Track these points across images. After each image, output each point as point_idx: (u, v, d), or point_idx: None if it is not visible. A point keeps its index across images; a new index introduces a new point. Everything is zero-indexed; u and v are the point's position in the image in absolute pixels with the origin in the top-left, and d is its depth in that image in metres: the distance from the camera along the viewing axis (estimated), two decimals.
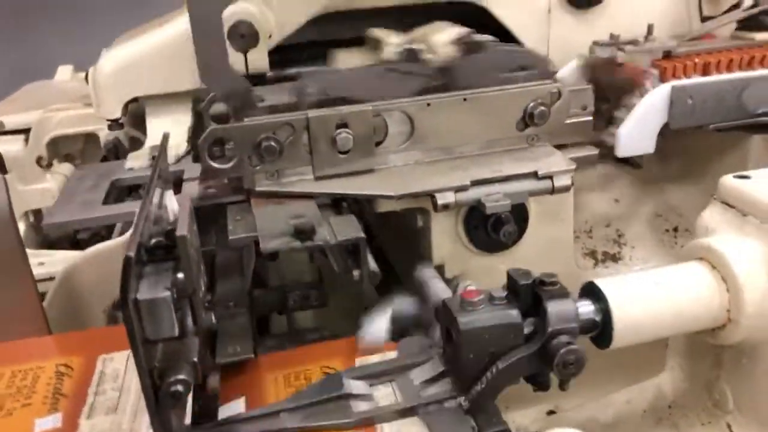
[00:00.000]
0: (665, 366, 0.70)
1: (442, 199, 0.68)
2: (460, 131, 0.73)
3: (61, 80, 1.35)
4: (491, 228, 0.73)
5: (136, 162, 0.82)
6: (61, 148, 1.04)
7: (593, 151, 0.76)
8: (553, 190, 0.70)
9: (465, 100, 0.72)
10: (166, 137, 0.64)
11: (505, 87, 0.73)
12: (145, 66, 0.85)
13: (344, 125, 0.69)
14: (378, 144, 0.72)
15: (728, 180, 0.62)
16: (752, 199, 0.59)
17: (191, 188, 0.70)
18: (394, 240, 0.86)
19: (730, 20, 0.85)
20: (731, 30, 0.90)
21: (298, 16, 0.85)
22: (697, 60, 0.79)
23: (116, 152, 0.93)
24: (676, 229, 0.91)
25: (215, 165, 0.68)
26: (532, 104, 0.73)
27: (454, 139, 0.73)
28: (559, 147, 0.76)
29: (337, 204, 0.71)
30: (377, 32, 0.83)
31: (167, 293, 0.41)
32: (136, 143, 0.98)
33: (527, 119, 0.74)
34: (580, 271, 0.85)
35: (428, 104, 0.71)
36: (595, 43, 0.84)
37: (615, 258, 0.88)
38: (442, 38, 0.75)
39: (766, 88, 0.78)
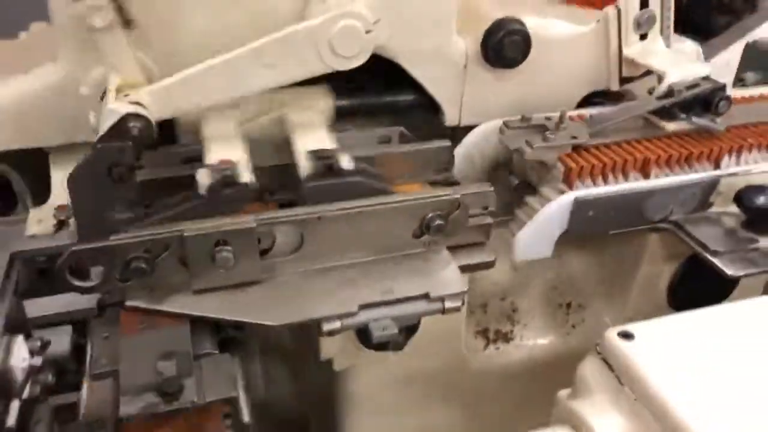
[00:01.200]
0: None
1: (327, 325, 0.65)
2: (352, 243, 0.68)
3: None
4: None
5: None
6: None
7: (491, 258, 0.74)
8: (443, 311, 0.68)
9: (359, 213, 0.67)
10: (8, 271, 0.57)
11: (401, 199, 0.68)
12: (6, 119, 0.75)
13: (224, 242, 0.63)
14: (264, 252, 0.67)
15: (611, 336, 0.61)
16: (630, 368, 0.59)
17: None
18: None
19: (643, 110, 0.82)
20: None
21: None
22: (605, 159, 0.77)
23: None
24: (569, 305, 0.92)
25: (77, 284, 0.61)
26: (430, 216, 0.69)
27: (346, 250, 0.69)
28: (458, 247, 0.74)
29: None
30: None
31: None
32: None
33: (423, 229, 0.70)
34: (470, 356, 0.85)
35: (319, 217, 0.66)
36: (506, 125, 0.80)
37: (507, 338, 0.88)
38: (305, 146, 0.71)
39: (667, 197, 0.77)
